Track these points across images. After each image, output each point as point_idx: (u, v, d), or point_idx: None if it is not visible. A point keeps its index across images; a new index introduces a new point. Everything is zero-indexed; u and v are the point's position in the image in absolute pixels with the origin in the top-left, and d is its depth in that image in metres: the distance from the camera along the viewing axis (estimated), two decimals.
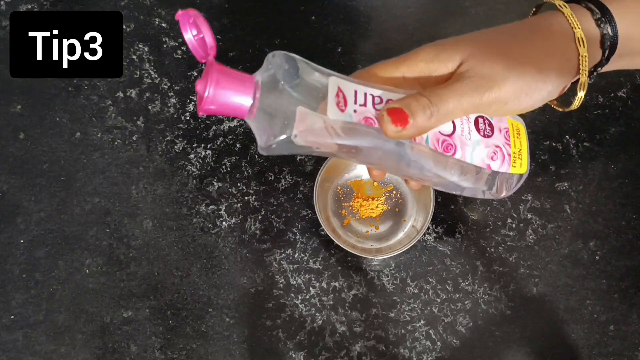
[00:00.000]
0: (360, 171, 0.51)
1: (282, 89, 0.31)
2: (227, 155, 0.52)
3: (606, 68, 0.38)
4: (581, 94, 0.37)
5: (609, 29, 0.36)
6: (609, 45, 0.36)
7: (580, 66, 0.36)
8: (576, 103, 0.37)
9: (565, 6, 0.36)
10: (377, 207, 0.50)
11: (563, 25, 0.36)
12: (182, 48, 0.56)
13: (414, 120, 0.33)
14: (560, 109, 0.40)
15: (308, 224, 0.50)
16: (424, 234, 0.49)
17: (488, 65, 0.35)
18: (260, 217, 0.50)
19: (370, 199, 0.50)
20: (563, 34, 0.36)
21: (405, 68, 0.37)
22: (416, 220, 0.49)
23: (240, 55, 0.56)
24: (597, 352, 0.46)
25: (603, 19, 0.36)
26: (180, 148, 0.53)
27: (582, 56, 0.36)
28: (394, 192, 0.51)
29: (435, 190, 0.47)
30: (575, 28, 0.36)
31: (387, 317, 0.48)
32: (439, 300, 0.48)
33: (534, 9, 0.40)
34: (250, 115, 0.31)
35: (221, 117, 0.53)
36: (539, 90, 0.36)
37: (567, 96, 0.38)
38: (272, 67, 0.31)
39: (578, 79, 0.37)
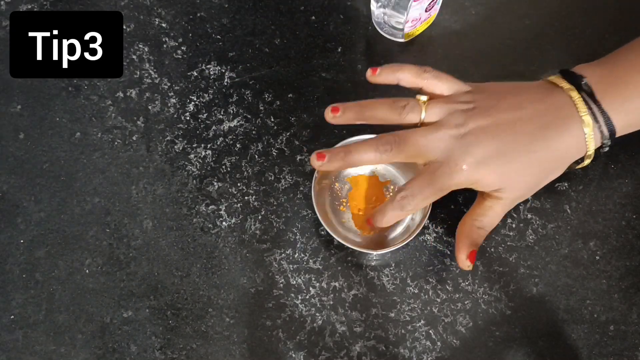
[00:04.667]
0: (357, 168, 0.51)
1: None
2: (227, 155, 0.52)
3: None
4: (587, 162, 0.46)
5: (608, 142, 0.44)
6: (609, 144, 0.45)
7: (587, 144, 0.44)
8: (581, 167, 0.47)
9: (585, 114, 0.43)
10: (375, 203, 0.50)
11: (581, 145, 0.44)
12: (182, 48, 0.56)
13: (479, 245, 0.46)
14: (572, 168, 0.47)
15: (308, 224, 0.50)
16: (424, 233, 0.49)
17: (516, 195, 0.45)
18: (260, 217, 0.50)
19: (368, 196, 0.50)
20: (579, 147, 0.44)
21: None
22: (415, 214, 0.49)
23: (240, 55, 0.56)
24: (597, 352, 0.46)
25: (606, 142, 0.44)
26: (180, 148, 0.53)
27: (587, 135, 0.43)
28: (392, 186, 0.51)
29: None
30: (589, 144, 0.44)
31: (387, 317, 0.48)
32: (439, 300, 0.48)
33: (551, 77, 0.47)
34: None
35: (221, 117, 0.53)
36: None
37: None
38: None
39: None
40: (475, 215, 0.46)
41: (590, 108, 0.43)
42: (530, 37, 0.56)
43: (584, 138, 0.43)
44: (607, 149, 0.45)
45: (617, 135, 0.45)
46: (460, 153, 0.43)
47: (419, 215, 0.48)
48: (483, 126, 0.43)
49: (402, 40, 0.55)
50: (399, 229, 0.49)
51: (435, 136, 0.43)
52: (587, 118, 0.43)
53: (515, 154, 0.43)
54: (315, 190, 0.47)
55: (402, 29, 0.53)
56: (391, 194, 0.51)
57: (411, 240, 0.46)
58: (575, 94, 0.44)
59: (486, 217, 0.45)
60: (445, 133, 0.43)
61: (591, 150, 0.44)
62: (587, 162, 0.46)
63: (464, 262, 0.45)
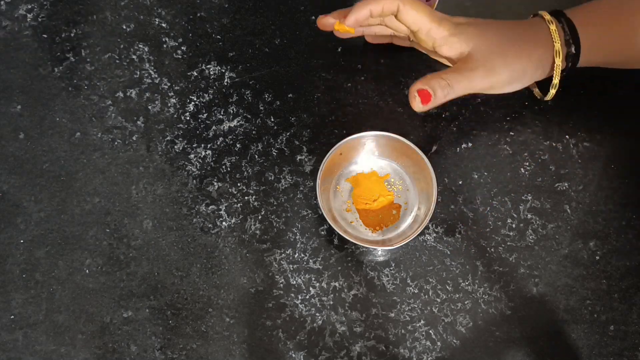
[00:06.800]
0: (357, 166, 0.51)
1: None
2: (227, 155, 0.52)
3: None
4: (553, 91, 0.49)
5: (573, 49, 0.48)
6: (572, 61, 0.48)
7: (554, 72, 0.48)
8: (549, 97, 0.50)
9: (552, 22, 0.48)
10: (378, 197, 0.50)
11: (547, 38, 0.48)
12: (182, 48, 0.56)
13: (435, 98, 0.46)
14: (539, 97, 0.52)
15: (308, 224, 0.50)
16: (424, 233, 0.49)
17: (491, 60, 0.47)
18: (260, 217, 0.50)
19: (371, 192, 0.50)
20: (546, 45, 0.48)
21: (424, 34, 0.48)
22: (419, 209, 0.49)
23: (240, 55, 0.56)
24: (597, 352, 0.46)
25: (571, 41, 0.48)
26: (180, 148, 0.53)
27: (556, 64, 0.47)
28: (392, 179, 0.51)
29: (437, 184, 0.47)
30: (555, 42, 0.47)
31: (387, 317, 0.48)
32: (439, 300, 0.48)
33: (531, 16, 0.51)
34: None
35: (221, 117, 0.53)
36: (521, 80, 0.48)
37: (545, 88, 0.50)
38: None
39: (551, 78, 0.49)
40: (443, 72, 0.47)
41: (553, 13, 0.48)
42: None
43: (549, 32, 0.47)
44: (570, 57, 0.48)
45: (582, 49, 0.47)
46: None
47: (424, 210, 0.48)
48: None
49: None
50: (407, 221, 0.49)
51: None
52: (549, 17, 0.48)
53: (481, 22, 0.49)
54: (321, 197, 0.47)
55: None
56: (392, 187, 0.51)
57: (418, 234, 0.46)
58: (553, 27, 0.48)
59: (452, 73, 0.47)
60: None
61: (559, 45, 0.47)
62: (555, 80, 0.48)
63: (412, 93, 0.46)
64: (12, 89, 0.55)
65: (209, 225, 0.50)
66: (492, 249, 0.49)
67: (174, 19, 0.57)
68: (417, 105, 0.46)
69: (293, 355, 0.47)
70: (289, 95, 0.54)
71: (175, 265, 0.49)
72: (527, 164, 0.51)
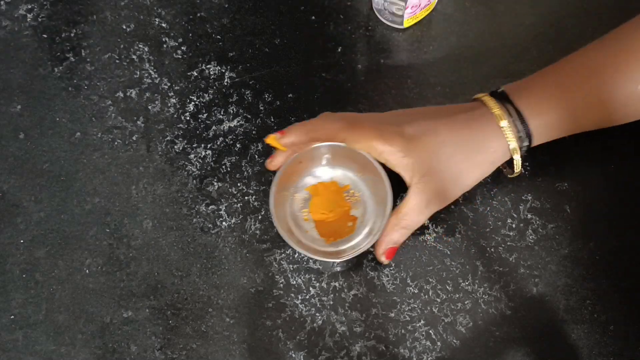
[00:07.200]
0: (317, 176, 0.50)
1: None
2: (227, 155, 0.52)
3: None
4: (517, 169, 0.48)
5: (527, 143, 0.46)
6: (527, 148, 0.47)
7: (514, 162, 0.47)
8: (514, 175, 0.49)
9: (502, 117, 0.45)
10: (336, 208, 0.49)
11: (500, 136, 0.45)
12: (182, 48, 0.56)
13: (399, 244, 0.47)
14: (508, 175, 0.50)
15: None
16: (424, 233, 0.49)
17: (445, 189, 0.46)
18: (260, 217, 0.50)
19: (328, 202, 0.49)
20: (499, 142, 0.46)
21: (376, 155, 0.46)
22: (375, 222, 0.48)
23: (241, 55, 0.56)
24: (597, 352, 0.46)
25: (524, 136, 0.46)
26: (180, 148, 0.53)
27: (516, 161, 0.47)
28: (352, 190, 0.50)
29: (393, 192, 0.46)
30: (509, 141, 0.45)
31: (387, 317, 0.48)
32: (439, 300, 0.48)
33: (479, 98, 0.48)
34: None
35: (221, 117, 0.53)
36: (476, 183, 0.48)
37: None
38: None
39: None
40: (400, 214, 0.46)
41: (503, 105, 0.46)
42: (530, 37, 0.56)
43: (502, 131, 0.45)
44: (524, 148, 0.46)
45: (535, 139, 0.46)
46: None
47: (378, 224, 0.47)
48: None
49: (401, 27, 0.55)
50: (362, 234, 0.48)
51: None
52: (499, 112, 0.45)
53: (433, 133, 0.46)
54: (275, 204, 0.46)
55: (402, 16, 0.53)
56: (351, 198, 0.49)
57: (369, 247, 0.46)
58: (486, 97, 0.46)
59: (408, 216, 0.46)
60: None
61: (513, 144, 0.46)
62: (517, 169, 0.47)
63: (380, 257, 0.47)
64: (12, 89, 0.55)
65: (209, 225, 0.50)
66: (492, 249, 0.49)
67: (174, 19, 0.57)
68: (386, 261, 0.47)
69: (293, 355, 0.47)
70: (289, 95, 0.54)
71: (175, 265, 0.49)
72: (527, 164, 0.51)
